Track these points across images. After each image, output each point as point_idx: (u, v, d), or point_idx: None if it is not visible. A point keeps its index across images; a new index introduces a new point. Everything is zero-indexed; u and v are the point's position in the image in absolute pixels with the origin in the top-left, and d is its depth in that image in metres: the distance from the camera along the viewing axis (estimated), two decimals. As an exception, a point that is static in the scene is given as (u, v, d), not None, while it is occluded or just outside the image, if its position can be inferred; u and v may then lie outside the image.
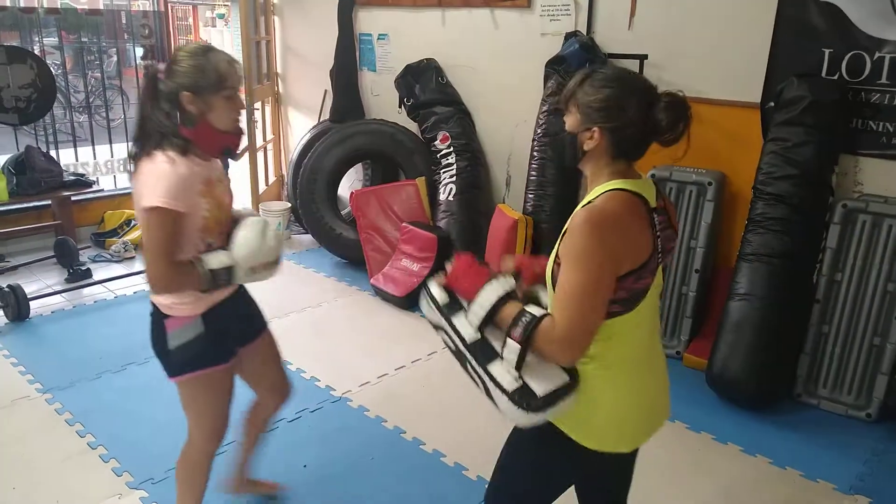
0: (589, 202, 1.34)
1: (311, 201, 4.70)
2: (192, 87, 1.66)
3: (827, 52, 3.08)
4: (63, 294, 4.12)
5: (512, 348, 1.29)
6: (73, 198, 4.83)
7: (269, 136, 5.80)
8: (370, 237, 4.36)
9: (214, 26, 15.37)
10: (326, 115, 5.23)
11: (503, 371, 1.32)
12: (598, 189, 1.35)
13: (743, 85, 3.33)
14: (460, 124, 4.36)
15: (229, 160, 1.90)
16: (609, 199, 1.31)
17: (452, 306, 1.42)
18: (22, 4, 4.56)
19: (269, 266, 1.74)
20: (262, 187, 5.49)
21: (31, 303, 3.83)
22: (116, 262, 4.75)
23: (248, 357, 2.06)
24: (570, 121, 1.38)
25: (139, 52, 5.41)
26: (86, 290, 4.21)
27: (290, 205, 5.32)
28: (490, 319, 1.35)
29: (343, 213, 4.88)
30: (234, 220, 1.87)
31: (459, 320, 1.40)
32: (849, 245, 3.01)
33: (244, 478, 2.36)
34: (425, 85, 4.45)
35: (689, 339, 3.47)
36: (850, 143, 3.09)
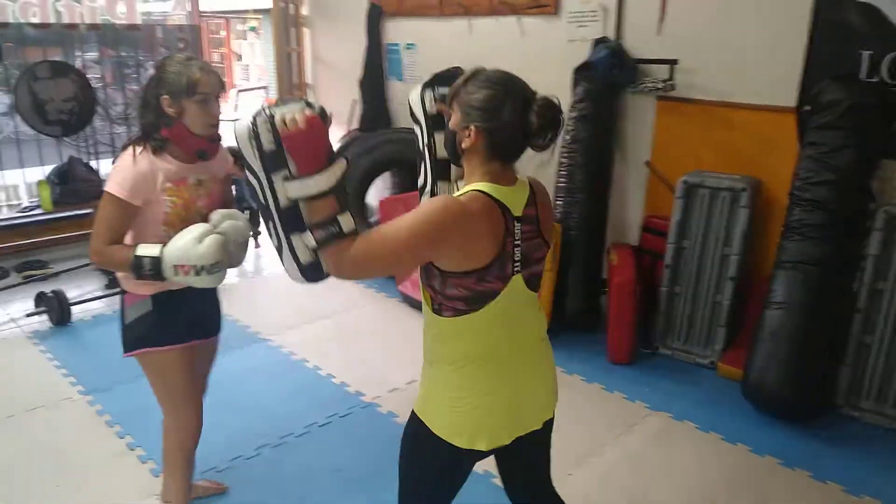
0: (452, 195, 1.39)
1: (342, 209, 4.74)
2: (169, 92, 1.82)
3: (866, 53, 3.01)
4: (103, 299, 4.23)
5: (308, 242, 1.33)
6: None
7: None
8: (400, 245, 4.38)
9: (246, 39, 15.67)
10: (355, 125, 5.29)
11: (302, 245, 1.34)
12: (467, 188, 1.39)
13: (777, 89, 3.27)
14: (489, 132, 4.36)
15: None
16: (470, 198, 1.35)
17: (276, 159, 1.30)
18: (65, 21, 4.70)
19: (198, 271, 1.75)
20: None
21: (73, 308, 3.94)
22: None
23: (200, 354, 2.17)
24: (453, 118, 1.42)
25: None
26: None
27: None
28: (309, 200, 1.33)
29: (371, 220, 4.92)
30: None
31: (277, 180, 1.31)
32: (891, 253, 2.93)
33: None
34: (454, 93, 4.46)
35: (724, 348, 3.41)
36: (892, 147, 3.01)
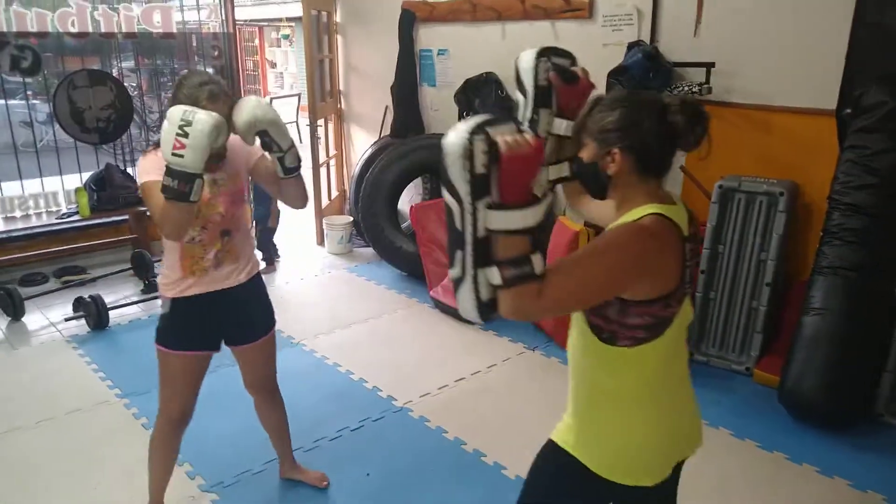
0: (634, 220, 1.29)
1: (372, 215, 4.78)
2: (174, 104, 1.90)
3: (908, 55, 2.94)
4: (139, 304, 4.31)
5: (493, 278, 1.20)
6: (148, 213, 5.04)
7: (332, 151, 5.93)
8: (430, 250, 4.39)
9: (279, 46, 15.86)
10: (387, 131, 5.31)
11: (485, 281, 1.23)
12: (638, 212, 1.30)
13: (817, 91, 3.22)
14: (521, 137, 4.35)
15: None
16: (652, 221, 1.27)
17: (485, 184, 1.17)
18: (103, 30, 4.80)
19: (182, 128, 1.70)
20: (324, 202, 5.62)
21: (110, 312, 4.01)
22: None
23: (239, 357, 2.32)
24: (587, 151, 1.34)
25: (209, 72, 5.63)
26: (160, 301, 4.36)
27: (351, 219, 5.42)
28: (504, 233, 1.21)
29: (403, 226, 4.94)
30: (228, 218, 2.07)
31: (481, 207, 1.18)
32: (934, 257, 2.86)
33: (287, 466, 2.57)
34: (485, 99, 4.47)
35: (760, 354, 3.35)
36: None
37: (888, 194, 2.86)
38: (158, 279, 2.15)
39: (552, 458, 1.47)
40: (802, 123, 3.30)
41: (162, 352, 2.15)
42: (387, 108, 5.34)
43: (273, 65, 16.42)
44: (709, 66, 3.46)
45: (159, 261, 5.01)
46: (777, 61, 3.34)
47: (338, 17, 5.67)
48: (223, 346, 2.25)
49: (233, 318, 2.19)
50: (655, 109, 1.28)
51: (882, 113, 2.85)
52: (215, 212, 2.03)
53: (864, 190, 2.88)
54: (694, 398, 1.49)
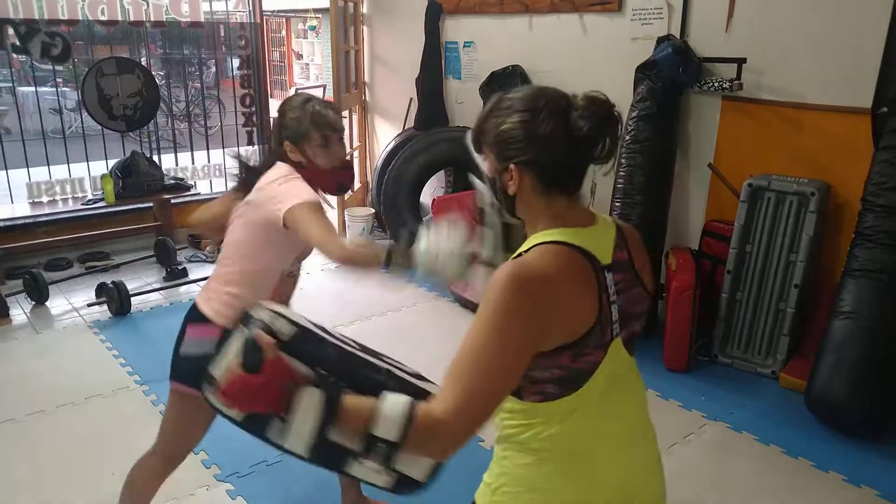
0: (519, 254, 1.10)
1: (394, 207, 4.76)
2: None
3: (949, 53, 2.85)
4: (161, 291, 4.34)
5: (379, 452, 1.04)
6: (172, 200, 5.09)
7: (356, 143, 5.92)
8: (452, 244, 4.36)
9: (306, 38, 15.91)
10: (411, 123, 5.29)
11: (368, 471, 1.14)
12: (533, 240, 1.11)
13: (852, 89, 3.13)
14: (546, 131, 4.30)
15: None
16: (541, 253, 1.07)
17: (255, 420, 1.18)
18: (132, 18, 4.83)
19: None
20: (347, 193, 5.61)
21: (132, 299, 4.04)
22: (210, 262, 4.95)
23: None
24: (488, 165, 1.15)
25: (236, 62, 5.65)
26: (182, 288, 4.40)
27: (373, 210, 5.41)
28: (327, 425, 1.08)
29: (425, 219, 4.91)
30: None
31: (277, 434, 1.16)
32: (971, 262, 2.76)
33: (351, 496, 2.39)
34: (511, 92, 4.41)
35: (787, 358, 3.28)
36: (974, 151, 2.84)
37: (925, 196, 2.77)
38: (217, 309, 1.87)
39: None
40: (836, 122, 3.21)
41: (197, 397, 1.78)
42: (411, 100, 5.31)
43: (299, 56, 16.48)
44: (740, 61, 3.38)
45: (182, 248, 5.06)
46: (811, 58, 3.25)
47: (364, 9, 5.65)
48: None
49: None
50: (556, 110, 1.07)
51: (921, 112, 2.77)
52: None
53: (900, 191, 2.79)
54: (653, 460, 1.27)
